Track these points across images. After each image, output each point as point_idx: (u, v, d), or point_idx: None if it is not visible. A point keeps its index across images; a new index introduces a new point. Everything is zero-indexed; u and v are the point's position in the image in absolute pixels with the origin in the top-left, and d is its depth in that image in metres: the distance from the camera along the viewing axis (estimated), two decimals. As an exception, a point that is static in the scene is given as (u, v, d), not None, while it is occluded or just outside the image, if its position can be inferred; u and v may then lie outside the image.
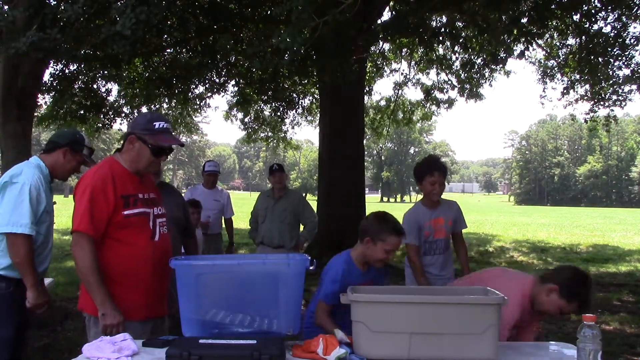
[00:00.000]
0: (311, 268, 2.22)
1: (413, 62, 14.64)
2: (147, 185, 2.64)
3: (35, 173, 2.91)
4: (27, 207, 2.79)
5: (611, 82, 10.70)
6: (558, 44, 12.18)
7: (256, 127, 15.23)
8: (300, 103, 14.52)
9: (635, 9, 9.47)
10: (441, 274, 3.88)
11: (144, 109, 12.37)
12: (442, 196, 3.90)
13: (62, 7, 5.28)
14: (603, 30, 10.00)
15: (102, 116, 11.42)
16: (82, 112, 10.59)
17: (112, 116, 11.81)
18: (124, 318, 2.40)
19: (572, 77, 11.79)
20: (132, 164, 2.56)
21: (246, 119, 14.93)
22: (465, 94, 14.14)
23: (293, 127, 15.57)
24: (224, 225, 6.44)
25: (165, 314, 2.73)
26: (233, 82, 12.66)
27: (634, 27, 29.32)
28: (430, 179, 3.72)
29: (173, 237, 3.48)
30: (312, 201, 8.50)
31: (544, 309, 2.61)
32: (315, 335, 2.20)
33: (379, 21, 10.52)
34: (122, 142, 2.64)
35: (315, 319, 2.74)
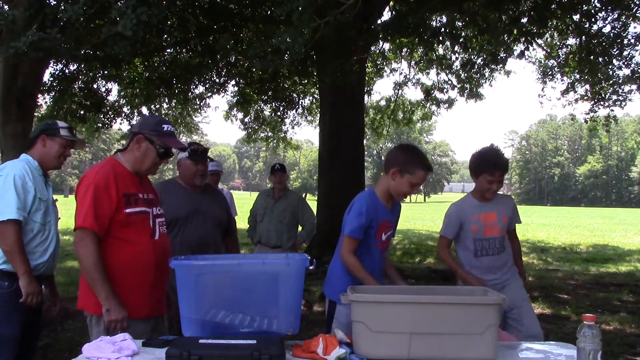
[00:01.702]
0: (311, 268, 2.22)
1: (413, 62, 14.65)
2: (146, 186, 2.68)
3: (21, 165, 2.92)
4: (12, 195, 2.79)
5: (611, 82, 10.70)
6: (558, 44, 12.20)
7: (256, 127, 15.24)
8: (300, 103, 14.55)
9: (635, 9, 9.47)
10: (498, 277, 3.42)
11: (144, 109, 12.39)
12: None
13: (63, 7, 5.28)
14: (603, 30, 10.01)
15: (102, 116, 11.43)
16: (82, 112, 10.60)
17: (112, 116, 11.82)
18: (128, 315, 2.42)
19: (572, 77, 11.80)
20: (135, 164, 2.59)
21: (246, 119, 14.93)
22: (465, 94, 14.15)
23: (293, 127, 15.60)
24: None
25: (164, 313, 2.74)
26: (233, 82, 12.67)
27: (634, 27, 29.35)
28: (489, 178, 3.31)
29: (215, 236, 3.62)
30: (312, 201, 8.51)
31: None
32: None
33: (379, 21, 10.52)
34: (125, 141, 2.69)
35: (341, 256, 2.72)
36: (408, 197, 2.79)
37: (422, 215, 32.77)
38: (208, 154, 3.74)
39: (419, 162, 2.63)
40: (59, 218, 3.21)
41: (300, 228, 5.89)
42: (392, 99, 15.81)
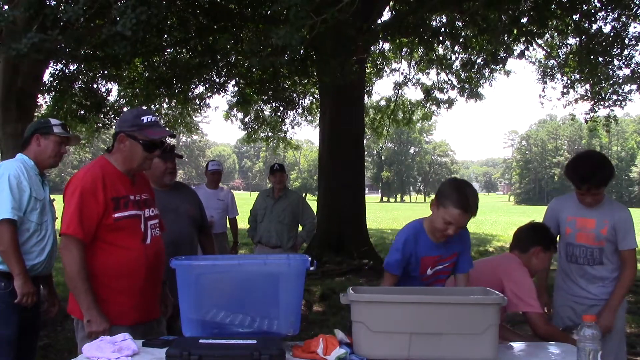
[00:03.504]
0: (311, 268, 2.21)
1: (413, 62, 14.67)
2: (139, 186, 2.57)
3: (16, 164, 2.91)
4: (7, 195, 2.78)
5: (611, 82, 10.71)
6: (558, 43, 12.21)
7: (256, 127, 15.24)
8: (300, 103, 14.53)
9: (635, 9, 9.47)
10: (593, 293, 3.01)
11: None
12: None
13: (63, 8, 5.28)
14: (603, 30, 10.02)
15: (102, 116, 11.42)
16: (82, 112, 10.59)
17: (112, 116, 11.78)
18: (112, 324, 2.34)
19: (572, 77, 11.81)
20: (125, 163, 2.47)
21: (246, 119, 14.94)
22: (465, 94, 14.17)
23: (293, 127, 15.61)
24: (228, 225, 6.45)
25: (158, 316, 2.67)
26: (233, 82, 12.66)
27: (634, 27, 29.35)
28: (578, 191, 2.97)
29: (190, 234, 3.52)
30: (312, 201, 8.51)
31: (538, 269, 2.85)
32: None
33: (379, 21, 10.53)
34: (112, 142, 2.55)
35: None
36: (443, 235, 2.44)
37: (422, 215, 32.71)
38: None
39: (456, 198, 2.36)
40: (57, 218, 3.20)
41: (300, 228, 5.90)
42: (392, 99, 15.82)
